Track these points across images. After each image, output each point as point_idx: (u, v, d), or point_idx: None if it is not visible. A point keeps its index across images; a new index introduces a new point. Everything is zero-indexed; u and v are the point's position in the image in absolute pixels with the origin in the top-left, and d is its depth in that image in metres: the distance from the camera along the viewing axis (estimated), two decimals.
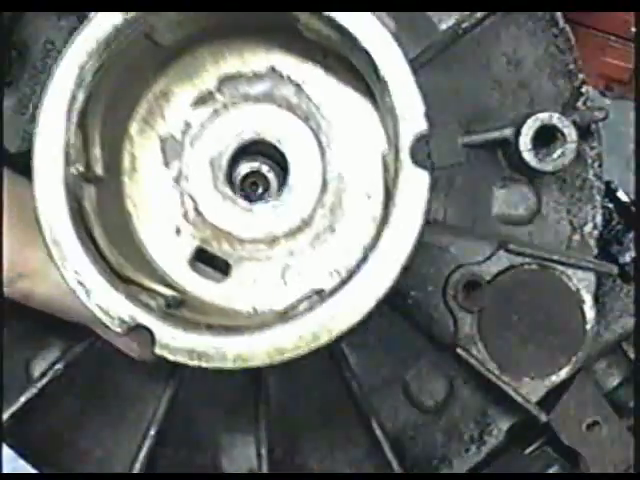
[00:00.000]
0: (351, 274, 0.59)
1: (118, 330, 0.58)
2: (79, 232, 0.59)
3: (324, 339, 0.58)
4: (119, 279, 0.61)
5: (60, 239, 0.58)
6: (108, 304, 0.58)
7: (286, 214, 0.67)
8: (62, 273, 0.58)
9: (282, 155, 0.67)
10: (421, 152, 0.58)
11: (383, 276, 0.58)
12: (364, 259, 0.59)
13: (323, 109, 0.68)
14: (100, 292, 0.58)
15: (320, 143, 0.67)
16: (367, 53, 0.59)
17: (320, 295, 0.62)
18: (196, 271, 0.67)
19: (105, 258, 0.61)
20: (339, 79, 0.67)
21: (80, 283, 0.58)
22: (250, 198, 0.68)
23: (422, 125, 0.58)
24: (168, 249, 0.67)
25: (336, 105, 0.68)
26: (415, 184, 0.58)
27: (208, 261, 0.68)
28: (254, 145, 0.68)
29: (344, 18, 0.60)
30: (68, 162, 0.59)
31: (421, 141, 0.58)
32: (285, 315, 0.62)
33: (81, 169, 0.61)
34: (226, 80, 0.68)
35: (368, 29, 0.59)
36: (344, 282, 0.59)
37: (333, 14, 0.60)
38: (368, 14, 0.59)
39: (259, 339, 0.58)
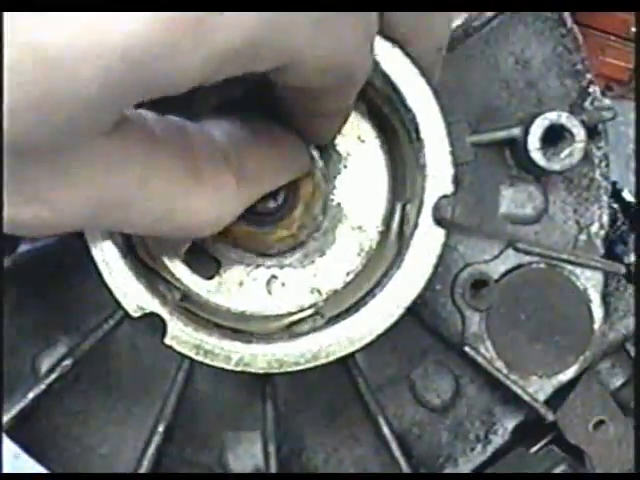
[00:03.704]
0: (355, 306, 0.64)
1: (133, 314, 0.62)
2: None
3: (322, 360, 0.63)
4: (143, 266, 0.64)
5: None
6: (128, 289, 0.61)
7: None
8: (91, 250, 0.61)
9: None
10: (443, 212, 0.63)
11: (386, 315, 0.63)
12: (372, 295, 0.64)
13: (336, 142, 0.70)
14: (123, 276, 0.61)
15: (327, 173, 0.70)
16: (412, 113, 0.64)
17: (322, 317, 0.66)
18: (187, 264, 0.69)
19: (132, 243, 0.64)
20: (356, 117, 0.70)
21: (105, 262, 0.61)
22: (256, 209, 0.69)
23: (449, 188, 0.63)
24: (166, 239, 0.68)
25: (349, 141, 0.70)
26: (432, 240, 0.64)
27: (200, 257, 0.69)
28: None
29: (398, 77, 0.63)
30: None
31: (445, 201, 0.63)
32: (289, 330, 0.66)
33: None
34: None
35: (419, 92, 0.64)
36: (349, 311, 0.64)
37: (389, 70, 0.63)
38: (420, 76, 0.63)
39: (263, 349, 0.62)
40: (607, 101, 0.82)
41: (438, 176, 0.64)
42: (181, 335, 0.62)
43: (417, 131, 0.64)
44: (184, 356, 0.63)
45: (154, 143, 0.49)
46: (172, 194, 0.51)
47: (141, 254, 0.65)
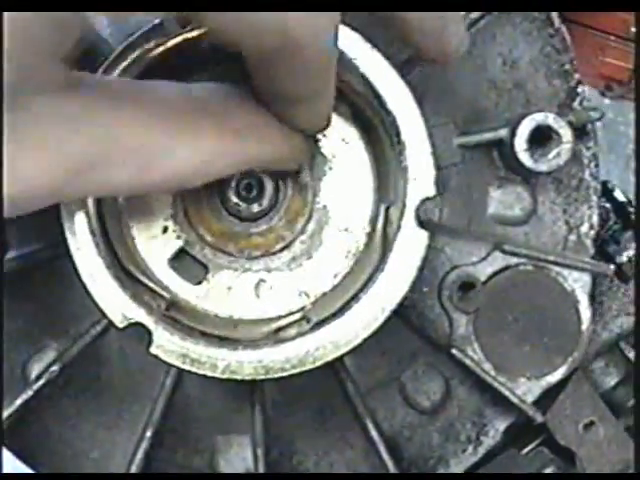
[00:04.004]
0: (341, 310, 0.65)
1: (119, 325, 0.62)
2: (95, 225, 0.63)
3: (309, 366, 0.64)
4: (127, 276, 0.65)
5: (77, 230, 0.62)
6: (114, 299, 0.62)
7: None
8: (75, 260, 0.62)
9: (276, 181, 0.70)
10: (426, 214, 0.64)
11: (371, 319, 0.64)
12: (357, 298, 0.65)
13: (321, 144, 0.70)
14: (108, 286, 0.62)
15: (312, 175, 0.70)
16: (393, 116, 0.65)
17: (308, 322, 0.67)
18: (174, 270, 0.69)
19: (116, 253, 0.65)
20: (340, 120, 0.70)
21: (90, 274, 0.62)
22: (240, 213, 0.69)
23: (431, 190, 0.64)
24: (153, 246, 0.69)
25: (333, 143, 0.71)
26: (415, 242, 0.65)
27: (187, 262, 0.70)
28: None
29: (377, 80, 0.64)
30: None
31: (427, 204, 0.64)
32: (275, 336, 0.67)
33: None
34: None
35: (399, 95, 0.65)
36: (334, 315, 0.65)
37: (368, 74, 0.64)
38: (399, 79, 0.64)
39: (249, 356, 0.63)
40: (606, 100, 0.81)
41: (420, 179, 0.64)
42: (167, 344, 0.63)
43: (398, 134, 0.65)
44: (170, 365, 0.63)
45: (120, 101, 0.50)
46: (147, 147, 0.51)
47: (126, 264, 0.66)
